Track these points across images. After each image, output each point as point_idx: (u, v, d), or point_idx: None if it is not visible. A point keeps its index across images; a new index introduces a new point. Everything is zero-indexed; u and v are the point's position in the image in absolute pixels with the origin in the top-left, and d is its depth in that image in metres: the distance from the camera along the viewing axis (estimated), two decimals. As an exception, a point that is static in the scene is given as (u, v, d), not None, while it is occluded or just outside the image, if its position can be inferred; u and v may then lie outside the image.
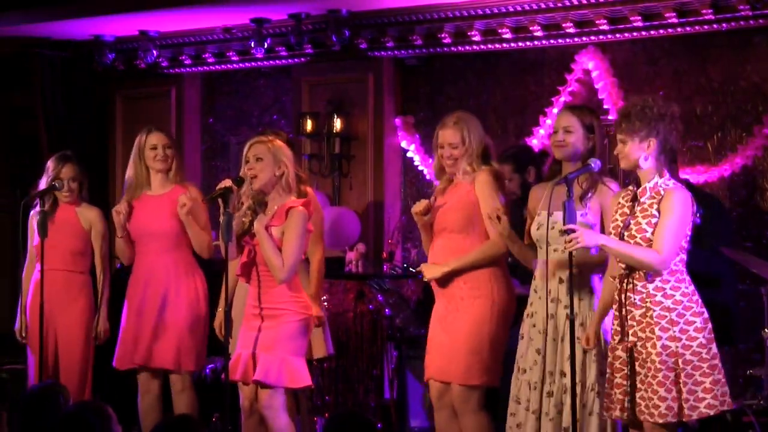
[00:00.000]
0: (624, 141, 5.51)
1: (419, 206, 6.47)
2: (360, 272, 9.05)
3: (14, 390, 8.43)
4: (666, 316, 5.41)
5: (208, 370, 8.18)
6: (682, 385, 5.37)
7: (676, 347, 5.38)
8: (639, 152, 5.47)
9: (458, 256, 6.35)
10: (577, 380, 5.86)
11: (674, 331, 5.39)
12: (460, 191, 6.38)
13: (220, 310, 6.89)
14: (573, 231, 5.49)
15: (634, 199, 5.56)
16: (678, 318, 5.41)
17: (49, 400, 5.07)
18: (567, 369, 5.89)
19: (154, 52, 10.04)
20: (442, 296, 6.42)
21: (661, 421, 5.42)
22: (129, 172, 7.34)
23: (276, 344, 6.30)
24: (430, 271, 6.42)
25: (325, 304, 8.44)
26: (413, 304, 8.59)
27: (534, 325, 6.10)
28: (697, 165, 8.09)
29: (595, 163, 5.83)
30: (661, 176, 5.49)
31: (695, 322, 5.42)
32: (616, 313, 5.56)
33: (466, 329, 6.26)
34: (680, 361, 5.38)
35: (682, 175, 7.30)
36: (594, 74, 8.50)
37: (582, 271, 5.93)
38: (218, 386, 8.17)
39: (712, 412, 5.38)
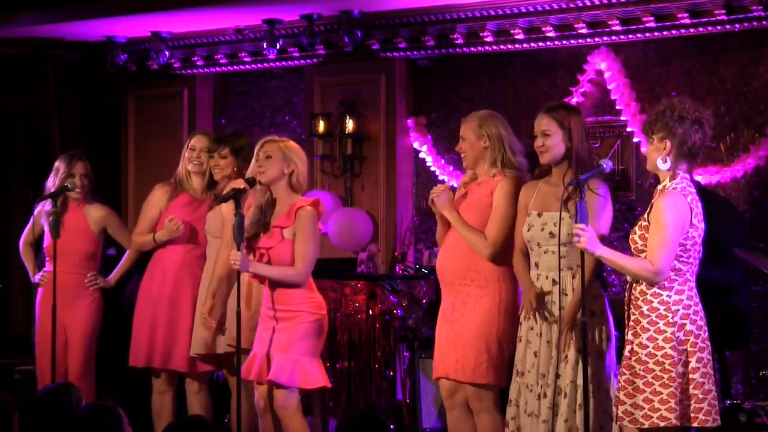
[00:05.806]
0: (648, 142, 5.49)
1: (437, 190, 6.41)
2: (372, 273, 9.05)
3: (26, 390, 8.44)
4: (640, 322, 5.32)
5: (220, 372, 8.18)
6: (639, 393, 5.26)
7: (642, 354, 5.28)
8: (656, 153, 5.42)
9: (465, 224, 6.27)
10: (569, 380, 5.84)
11: (643, 338, 5.28)
12: (483, 191, 6.34)
13: (208, 299, 6.89)
14: (582, 230, 5.38)
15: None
16: (649, 326, 5.28)
17: (60, 401, 5.08)
18: (561, 371, 5.88)
19: (167, 53, 10.06)
20: (449, 294, 6.37)
21: (618, 422, 5.40)
22: (179, 169, 7.39)
23: (290, 345, 6.33)
24: (442, 198, 6.32)
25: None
26: (425, 305, 8.59)
27: (531, 328, 6.05)
28: (709, 166, 8.07)
29: (606, 164, 5.72)
30: (672, 179, 5.37)
31: (665, 332, 5.25)
32: (627, 313, 5.54)
33: (474, 327, 6.23)
34: (641, 369, 5.27)
35: (695, 176, 7.27)
36: (606, 75, 8.50)
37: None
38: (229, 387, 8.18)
39: (662, 424, 5.20)
